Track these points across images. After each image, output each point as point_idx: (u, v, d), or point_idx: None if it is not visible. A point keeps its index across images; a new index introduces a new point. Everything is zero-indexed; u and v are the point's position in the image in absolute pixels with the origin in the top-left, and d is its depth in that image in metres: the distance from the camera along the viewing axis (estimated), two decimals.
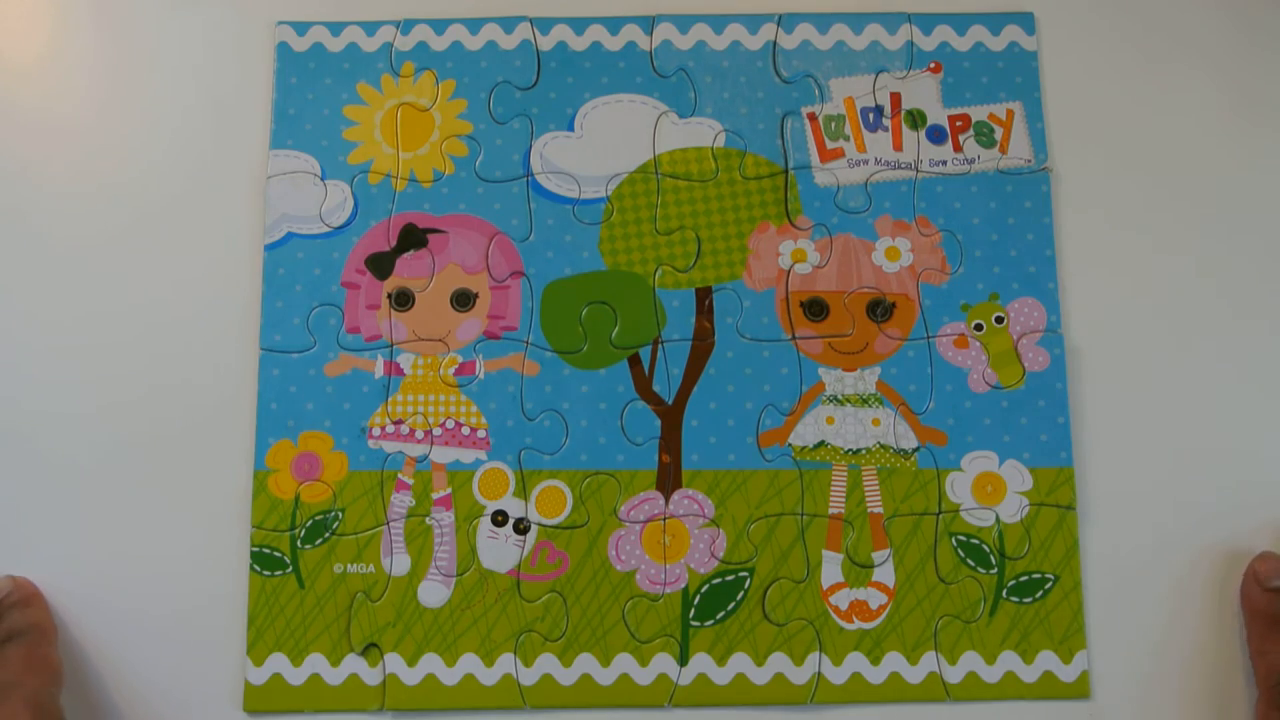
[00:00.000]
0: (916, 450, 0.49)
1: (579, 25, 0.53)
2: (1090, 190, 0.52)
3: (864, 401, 0.49)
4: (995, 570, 0.48)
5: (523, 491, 0.49)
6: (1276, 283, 0.51)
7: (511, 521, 0.48)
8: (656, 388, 0.50)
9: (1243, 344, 0.50)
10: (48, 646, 0.46)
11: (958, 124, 0.52)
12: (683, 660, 0.47)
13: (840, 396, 0.49)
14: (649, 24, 0.53)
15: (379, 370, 0.50)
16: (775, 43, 0.53)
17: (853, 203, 0.51)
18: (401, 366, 0.50)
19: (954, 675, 0.47)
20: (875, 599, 0.48)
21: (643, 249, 0.51)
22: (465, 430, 0.49)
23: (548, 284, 0.50)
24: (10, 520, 0.49)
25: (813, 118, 0.52)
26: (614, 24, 0.53)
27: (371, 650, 0.47)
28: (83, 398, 0.50)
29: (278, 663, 0.47)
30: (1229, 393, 0.50)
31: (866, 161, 0.52)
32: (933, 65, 0.53)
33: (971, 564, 0.48)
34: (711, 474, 0.49)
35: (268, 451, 0.49)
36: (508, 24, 0.53)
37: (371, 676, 0.47)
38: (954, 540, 0.48)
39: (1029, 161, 0.52)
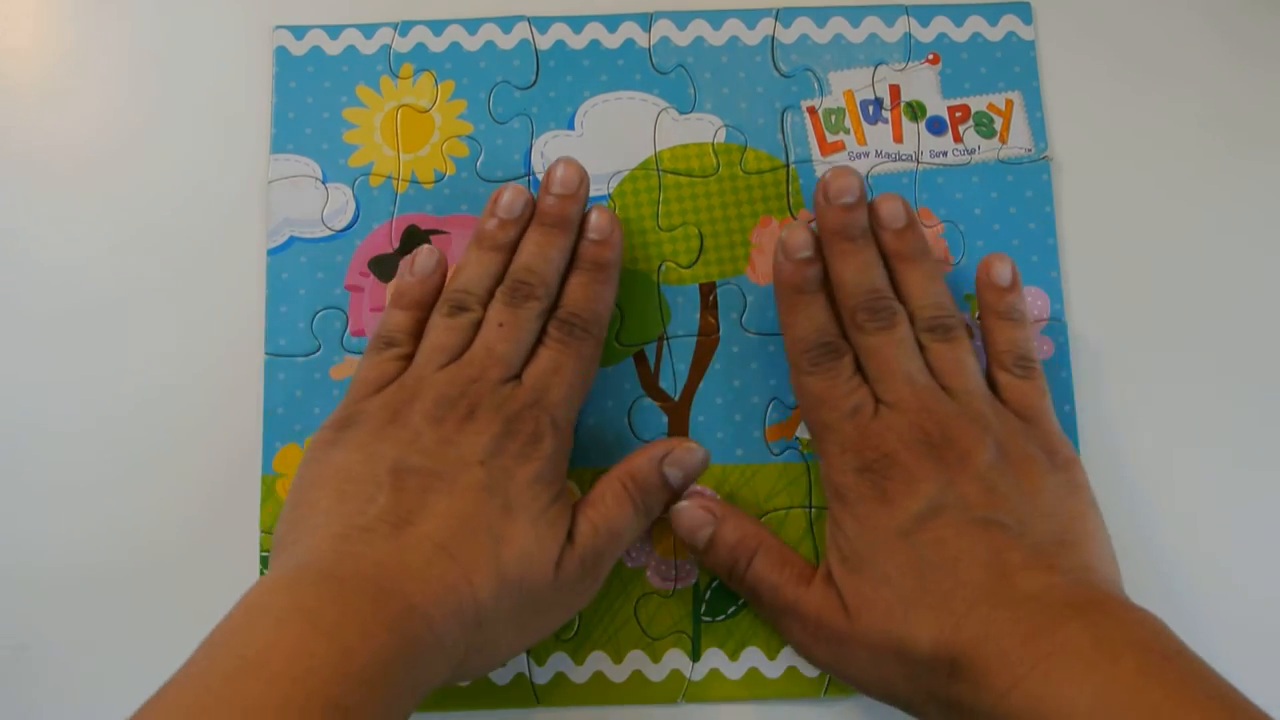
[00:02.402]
0: None
1: (577, 24, 0.53)
2: (1091, 178, 0.52)
3: None
4: None
5: None
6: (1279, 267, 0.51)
7: None
8: (662, 384, 0.50)
9: (1247, 329, 0.51)
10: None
11: (957, 115, 0.52)
12: (695, 656, 0.47)
13: None
14: (647, 21, 0.53)
15: None
16: (773, 37, 0.53)
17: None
18: None
19: None
20: None
21: (645, 246, 0.51)
22: None
23: None
24: (14, 528, 0.49)
25: (812, 111, 0.52)
26: (612, 21, 0.53)
27: None
28: (86, 408, 0.50)
29: None
30: (1234, 379, 0.50)
31: (867, 154, 0.52)
32: (931, 57, 0.53)
33: None
34: (720, 469, 0.49)
35: (275, 456, 0.49)
36: (505, 24, 0.53)
37: None
38: None
39: (1029, 151, 0.52)
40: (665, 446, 0.45)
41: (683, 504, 0.46)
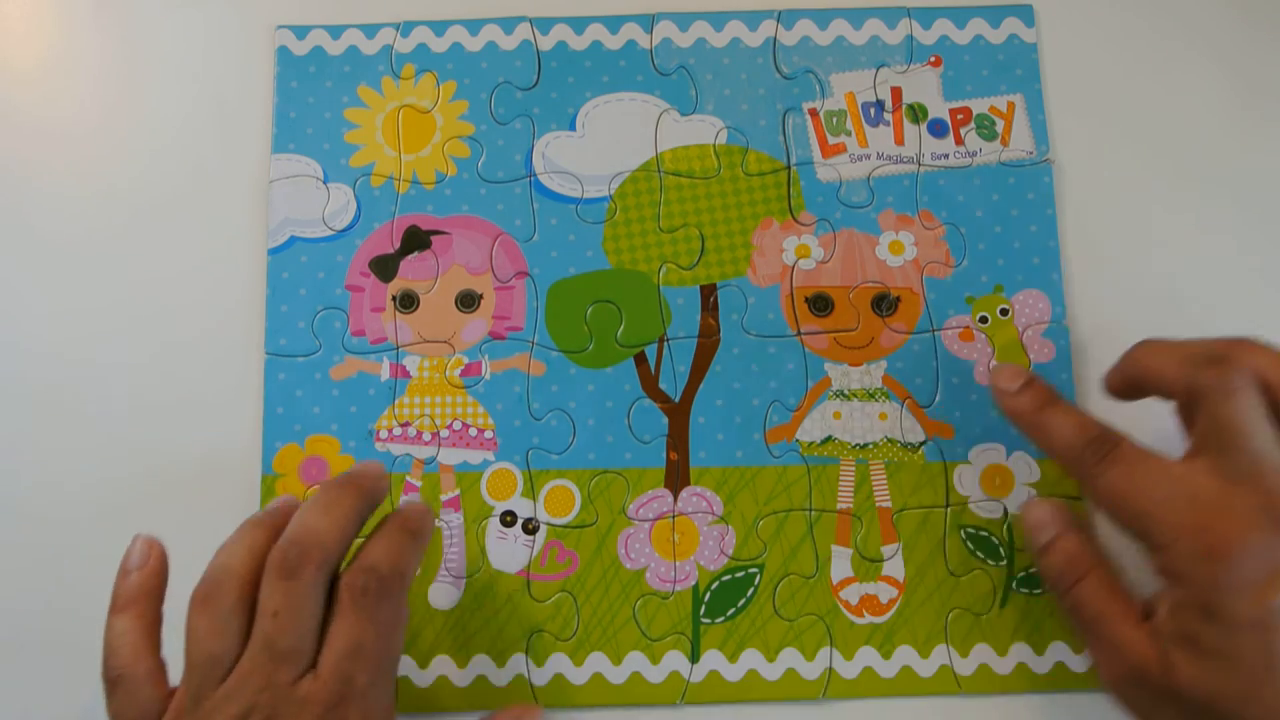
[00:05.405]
0: (924, 444, 0.49)
1: (578, 25, 0.53)
2: (1093, 181, 0.52)
3: (870, 396, 0.49)
4: (1004, 562, 0.48)
5: (531, 491, 0.49)
6: None
7: (520, 522, 0.48)
8: (663, 385, 0.50)
9: (1248, 332, 0.50)
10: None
11: (959, 117, 0.52)
12: (694, 657, 0.47)
13: (847, 391, 0.50)
14: (649, 22, 0.53)
15: (385, 373, 0.50)
16: (775, 39, 0.53)
17: (855, 198, 0.51)
18: (407, 369, 0.50)
19: (965, 668, 0.47)
20: (885, 593, 0.48)
21: (646, 247, 0.51)
22: (472, 431, 0.49)
23: (552, 284, 0.51)
24: (14, 527, 0.49)
25: (814, 113, 0.52)
26: (614, 23, 0.53)
27: None
28: (86, 406, 0.50)
29: None
30: None
31: (868, 156, 0.52)
32: (933, 59, 0.53)
33: (981, 556, 0.48)
34: (719, 471, 0.49)
35: (275, 456, 0.49)
36: (507, 24, 0.53)
37: None
38: (963, 533, 0.48)
39: (1031, 153, 0.52)
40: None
41: (1035, 500, 0.44)
